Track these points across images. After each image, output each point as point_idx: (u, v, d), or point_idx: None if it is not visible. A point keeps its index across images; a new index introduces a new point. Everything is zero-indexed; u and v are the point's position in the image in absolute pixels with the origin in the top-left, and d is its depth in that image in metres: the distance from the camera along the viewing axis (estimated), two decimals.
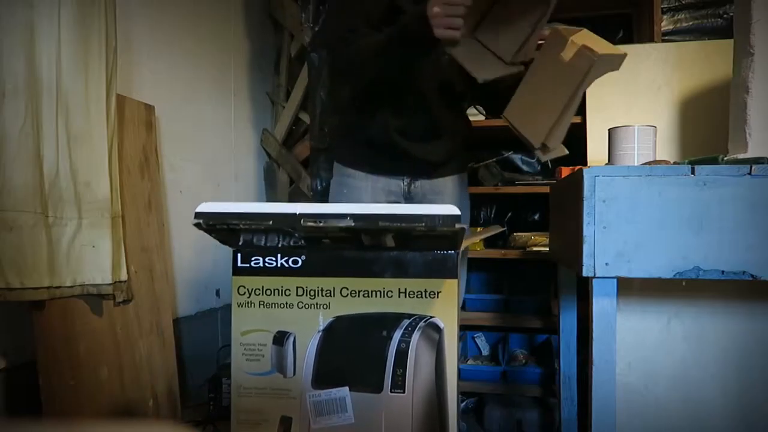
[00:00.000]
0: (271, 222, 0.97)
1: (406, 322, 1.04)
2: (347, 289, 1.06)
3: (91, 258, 1.34)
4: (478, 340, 2.42)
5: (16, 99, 1.20)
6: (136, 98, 1.64)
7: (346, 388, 1.06)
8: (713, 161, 1.10)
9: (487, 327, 2.36)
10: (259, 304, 1.08)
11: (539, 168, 2.54)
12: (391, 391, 1.04)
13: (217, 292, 2.27)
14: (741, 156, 1.24)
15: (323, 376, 1.06)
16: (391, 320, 1.04)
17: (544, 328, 2.19)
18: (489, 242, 2.41)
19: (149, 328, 1.60)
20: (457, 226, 0.91)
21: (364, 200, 1.51)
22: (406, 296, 1.04)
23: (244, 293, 1.08)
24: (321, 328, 1.07)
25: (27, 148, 1.22)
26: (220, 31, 2.27)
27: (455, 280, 1.03)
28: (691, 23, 2.35)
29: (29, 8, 1.22)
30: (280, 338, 1.07)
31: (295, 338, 1.07)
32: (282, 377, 1.07)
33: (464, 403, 2.25)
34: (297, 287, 1.07)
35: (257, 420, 1.09)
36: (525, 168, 2.55)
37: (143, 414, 1.52)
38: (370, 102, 1.49)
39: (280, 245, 1.07)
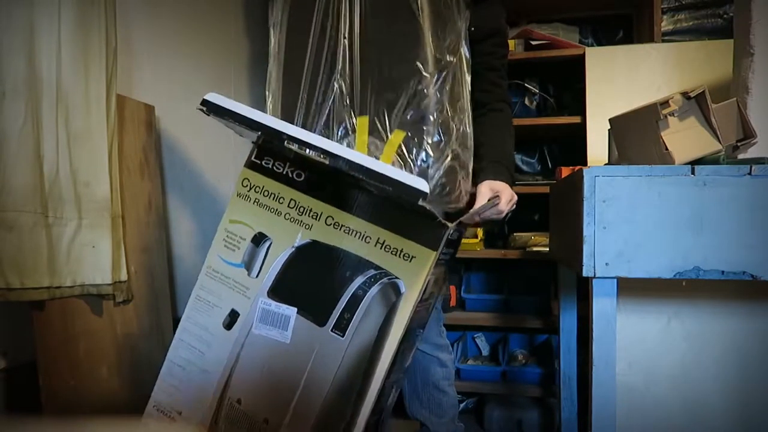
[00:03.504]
0: (258, 133, 1.05)
1: (371, 272, 1.05)
2: (332, 218, 1.08)
3: (91, 258, 1.34)
4: (478, 340, 2.42)
5: (16, 99, 1.20)
6: (136, 98, 1.63)
7: (295, 310, 1.08)
8: (713, 161, 1.10)
9: (487, 327, 2.36)
10: (254, 202, 1.13)
11: (539, 168, 2.54)
12: (331, 330, 1.06)
13: None
14: (741, 156, 1.24)
15: (280, 290, 1.10)
16: (359, 264, 1.06)
17: (544, 328, 2.19)
18: (489, 242, 2.41)
19: (149, 328, 1.60)
20: (420, 202, 0.94)
21: None
22: (381, 248, 1.05)
23: (246, 186, 1.14)
24: (296, 244, 1.10)
25: (27, 148, 1.21)
26: (220, 31, 2.27)
27: (434, 253, 1.01)
28: (691, 23, 2.36)
29: (29, 8, 1.22)
30: (259, 239, 1.12)
31: (271, 244, 1.11)
32: (246, 274, 1.12)
33: (464, 403, 2.25)
34: (291, 199, 1.11)
35: (212, 303, 1.15)
36: (525, 168, 2.55)
37: (143, 414, 1.52)
38: None
39: (293, 156, 1.10)
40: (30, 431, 0.45)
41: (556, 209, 1.61)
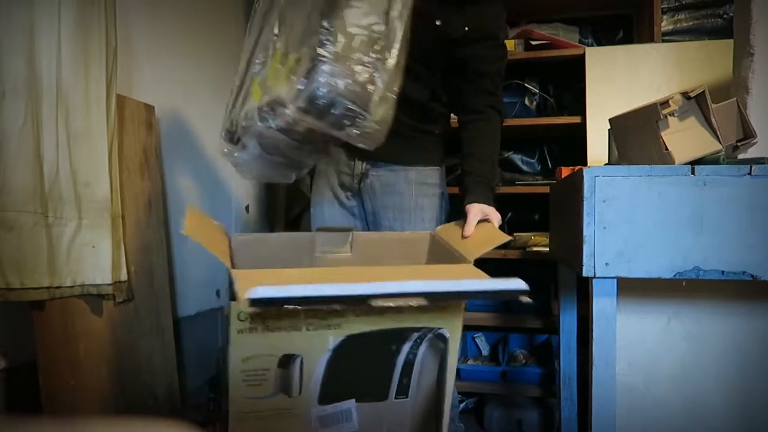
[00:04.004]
0: (338, 306, 0.91)
1: (415, 335, 1.02)
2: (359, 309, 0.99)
3: (91, 258, 1.34)
4: (478, 340, 2.42)
5: (16, 99, 1.20)
6: (136, 98, 1.64)
7: (353, 401, 1.04)
8: (714, 161, 1.10)
9: (487, 327, 2.36)
10: (263, 329, 0.97)
11: (539, 168, 2.54)
12: (395, 398, 1.04)
13: (217, 293, 2.27)
14: (741, 156, 1.24)
15: (330, 393, 1.02)
16: (401, 335, 1.02)
17: (544, 328, 2.19)
18: None
19: (149, 328, 1.60)
20: (523, 299, 0.93)
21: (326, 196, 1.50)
22: (414, 311, 0.99)
23: (245, 318, 0.96)
24: (331, 347, 1.00)
25: (27, 148, 1.22)
26: (220, 31, 2.27)
27: None
28: (691, 23, 2.36)
29: (29, 8, 1.22)
30: (286, 361, 1.00)
31: (302, 360, 1.00)
32: (286, 397, 1.01)
33: (464, 403, 2.25)
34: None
35: None
36: (525, 168, 2.55)
37: (143, 414, 1.52)
38: None
39: None
40: (30, 431, 0.45)
41: (556, 209, 1.61)
